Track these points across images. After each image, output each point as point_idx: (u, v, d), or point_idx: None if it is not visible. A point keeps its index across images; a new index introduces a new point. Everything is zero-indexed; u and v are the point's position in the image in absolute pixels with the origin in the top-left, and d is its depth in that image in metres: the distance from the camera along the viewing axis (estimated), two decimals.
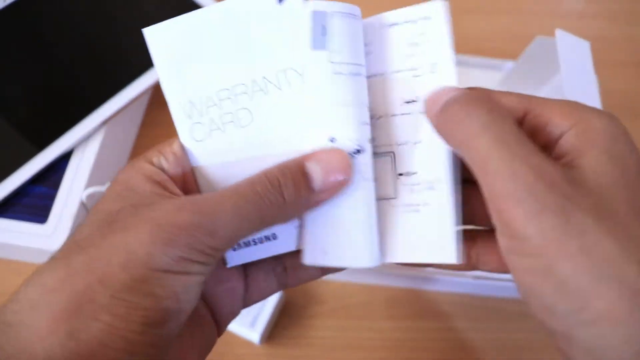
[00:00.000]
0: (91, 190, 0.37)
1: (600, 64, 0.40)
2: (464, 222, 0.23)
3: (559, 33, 0.32)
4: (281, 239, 0.23)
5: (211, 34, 0.22)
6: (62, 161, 0.39)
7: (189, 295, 0.19)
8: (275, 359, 0.37)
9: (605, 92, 0.40)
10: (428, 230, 0.22)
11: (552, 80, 0.39)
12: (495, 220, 0.18)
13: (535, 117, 0.20)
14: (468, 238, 0.23)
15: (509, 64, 0.44)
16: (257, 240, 0.23)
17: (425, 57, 0.22)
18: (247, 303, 0.25)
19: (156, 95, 0.46)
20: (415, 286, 0.40)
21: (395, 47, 0.23)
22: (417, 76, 0.22)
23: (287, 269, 0.25)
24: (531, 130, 0.20)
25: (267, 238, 0.23)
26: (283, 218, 0.21)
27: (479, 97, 0.20)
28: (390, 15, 0.23)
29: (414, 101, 0.22)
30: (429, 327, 0.38)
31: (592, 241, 0.16)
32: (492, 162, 0.18)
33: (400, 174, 0.23)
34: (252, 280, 0.25)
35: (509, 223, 0.17)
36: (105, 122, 0.40)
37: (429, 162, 0.23)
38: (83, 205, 0.38)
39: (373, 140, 0.23)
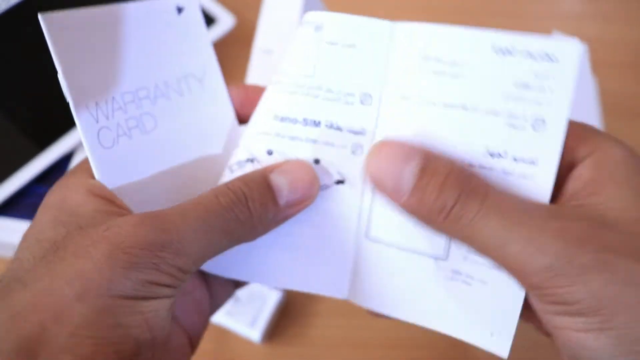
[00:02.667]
0: None
1: (599, 65, 0.40)
2: None
3: (556, 35, 0.32)
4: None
5: (114, 33, 0.21)
6: (64, 161, 0.39)
7: (160, 321, 0.17)
8: (276, 358, 0.37)
9: (603, 93, 0.40)
10: (482, 308, 0.20)
11: None
12: (534, 295, 0.17)
13: None
14: None
15: None
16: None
17: (532, 106, 0.18)
18: (212, 311, 0.24)
19: None
20: None
21: (498, 81, 0.18)
22: (513, 126, 0.18)
23: None
24: None
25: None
26: (250, 234, 0.20)
27: (461, 183, 0.17)
28: (502, 38, 0.18)
29: (499, 156, 0.18)
30: None
31: None
32: (511, 245, 0.16)
33: None
34: (214, 286, 0.24)
35: (553, 295, 0.16)
36: None
37: None
38: None
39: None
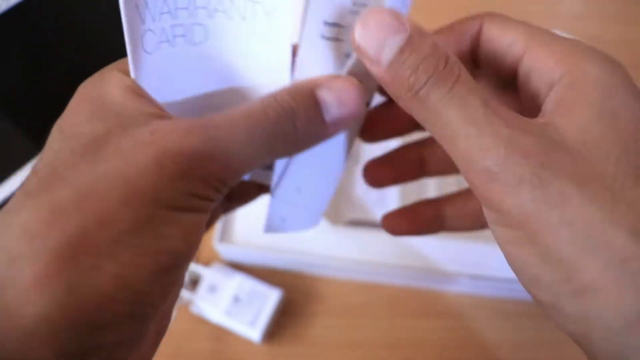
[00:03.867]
0: None
1: None
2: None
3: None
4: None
5: None
6: None
7: (197, 236, 0.17)
8: (276, 358, 0.37)
9: None
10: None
11: None
12: (476, 195, 0.17)
13: (532, 60, 0.19)
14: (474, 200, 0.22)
15: None
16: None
17: None
18: (227, 210, 0.25)
19: None
20: (415, 285, 0.40)
21: None
22: None
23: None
24: (527, 72, 0.19)
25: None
26: (292, 150, 0.19)
27: (436, 65, 0.17)
28: None
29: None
30: (429, 326, 0.39)
31: (573, 210, 0.15)
32: (461, 140, 0.17)
33: None
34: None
35: (487, 199, 0.17)
36: None
37: None
38: None
39: None
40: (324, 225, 0.38)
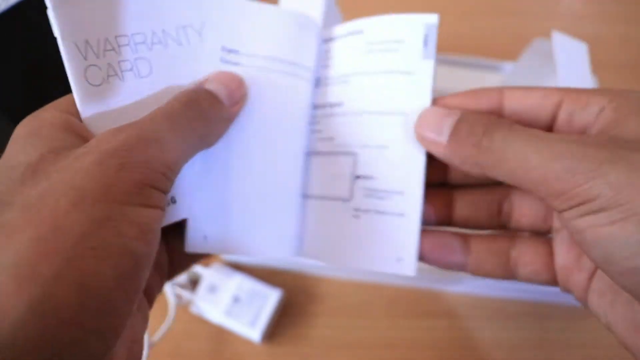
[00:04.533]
0: None
1: (600, 65, 0.40)
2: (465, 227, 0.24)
3: (556, 35, 0.32)
4: (180, 204, 0.22)
5: None
6: None
7: (154, 235, 0.17)
8: (276, 358, 0.37)
9: None
10: (385, 238, 0.23)
11: (551, 82, 0.39)
12: (557, 205, 0.18)
13: (573, 101, 0.20)
14: (502, 241, 0.23)
15: (508, 65, 0.44)
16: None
17: (400, 61, 0.23)
18: (170, 277, 0.24)
19: None
20: (415, 285, 0.40)
21: (362, 50, 0.24)
22: (391, 78, 0.23)
23: None
24: (570, 113, 0.20)
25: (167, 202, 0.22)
26: (211, 132, 0.21)
27: (489, 119, 0.20)
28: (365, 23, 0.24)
29: (390, 111, 0.23)
30: (428, 326, 0.39)
31: None
32: (532, 157, 0.18)
33: (358, 177, 0.23)
34: (174, 252, 0.23)
35: (573, 194, 0.17)
36: None
37: (395, 168, 0.23)
38: None
39: (331, 138, 0.24)
40: None
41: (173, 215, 0.22)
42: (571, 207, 0.18)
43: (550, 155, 0.17)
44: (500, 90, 0.22)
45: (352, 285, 0.40)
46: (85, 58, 0.20)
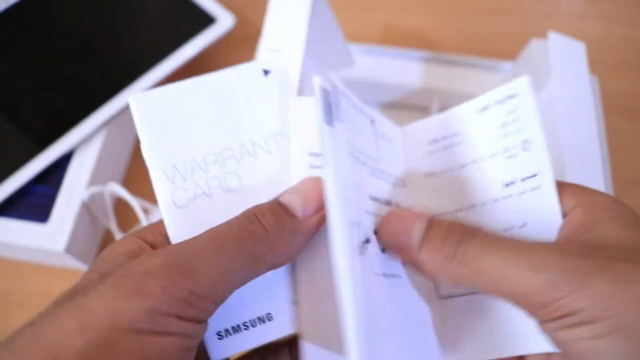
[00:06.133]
0: (92, 189, 0.37)
1: (599, 65, 0.40)
2: None
3: (552, 36, 0.32)
4: (278, 320, 0.20)
5: (196, 101, 0.22)
6: (64, 161, 0.39)
7: None
8: None
9: (604, 93, 0.40)
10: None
11: (550, 83, 0.39)
12: (540, 315, 0.17)
13: None
14: None
15: (508, 65, 0.44)
16: (248, 324, 0.20)
17: (516, 135, 0.21)
18: None
19: None
20: None
21: (488, 131, 0.22)
22: (511, 157, 0.21)
23: None
24: None
25: (261, 320, 0.20)
26: (274, 252, 0.18)
27: (459, 228, 0.19)
28: (478, 101, 0.23)
29: (512, 183, 0.21)
30: None
31: None
32: (509, 271, 0.17)
33: None
34: None
35: (557, 307, 0.16)
36: (107, 122, 0.40)
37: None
38: (84, 204, 0.38)
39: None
40: None
41: (267, 335, 0.20)
42: (554, 319, 0.17)
43: (530, 267, 0.17)
44: None
45: None
46: (172, 182, 0.20)
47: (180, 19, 0.44)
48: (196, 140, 0.21)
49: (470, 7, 0.53)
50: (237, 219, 0.19)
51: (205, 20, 0.44)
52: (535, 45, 0.36)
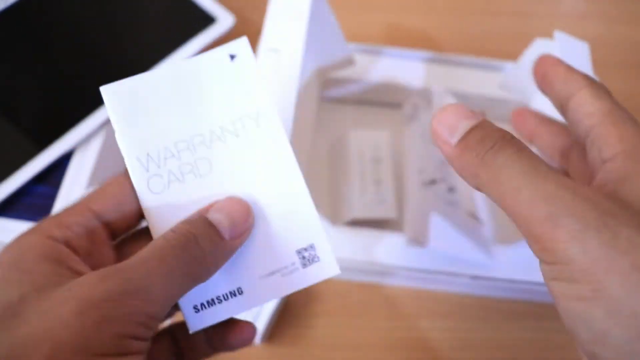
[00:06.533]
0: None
1: (602, 65, 0.40)
2: None
3: (558, 35, 0.32)
4: (247, 294, 0.22)
5: (166, 90, 0.22)
6: (64, 161, 0.39)
7: None
8: (276, 358, 0.37)
9: None
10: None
11: None
12: (535, 250, 0.17)
13: (596, 135, 0.20)
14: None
15: (508, 65, 0.44)
16: (221, 298, 0.22)
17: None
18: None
19: None
20: (415, 285, 0.40)
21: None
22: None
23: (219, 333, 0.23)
24: (589, 146, 0.20)
25: (233, 294, 0.22)
26: (206, 272, 0.20)
27: (503, 136, 0.19)
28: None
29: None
30: (428, 327, 0.39)
31: None
32: (525, 190, 0.17)
33: None
34: (186, 352, 0.23)
35: (550, 247, 0.16)
36: (107, 122, 0.40)
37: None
38: None
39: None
40: (324, 225, 0.38)
41: (239, 307, 0.22)
42: (547, 263, 0.17)
43: (542, 196, 0.16)
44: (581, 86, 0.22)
45: (352, 285, 0.40)
46: (147, 170, 0.22)
47: (180, 19, 0.44)
48: (167, 128, 0.22)
49: (470, 7, 0.53)
50: (175, 238, 0.19)
51: (205, 20, 0.44)
52: (539, 45, 0.36)
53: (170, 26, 0.44)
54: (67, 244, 0.19)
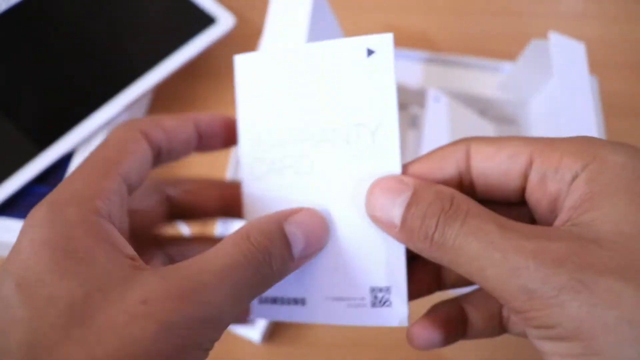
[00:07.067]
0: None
1: (600, 65, 0.40)
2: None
3: (553, 36, 0.32)
4: (309, 308, 0.21)
5: (296, 73, 0.21)
6: (64, 161, 0.39)
7: None
8: (276, 358, 0.37)
9: (604, 93, 0.40)
10: None
11: (550, 83, 0.39)
12: (518, 318, 0.17)
13: (543, 162, 0.18)
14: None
15: (508, 65, 0.44)
16: (284, 301, 0.22)
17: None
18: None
19: (158, 96, 0.46)
20: None
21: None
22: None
23: None
24: (542, 175, 0.18)
25: (296, 301, 0.22)
26: (269, 287, 0.19)
27: (442, 207, 0.17)
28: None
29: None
30: None
31: (630, 306, 0.14)
32: (488, 270, 0.16)
33: None
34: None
35: (531, 316, 0.16)
36: (107, 123, 0.40)
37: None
38: None
39: None
40: None
41: (297, 316, 0.22)
42: (532, 327, 0.16)
43: (507, 271, 0.16)
44: (467, 146, 0.20)
45: None
46: (253, 151, 0.22)
47: (180, 19, 0.44)
48: (284, 114, 0.21)
49: (470, 7, 0.53)
50: (252, 253, 0.18)
51: (205, 20, 0.44)
52: (535, 45, 0.36)
53: (170, 26, 0.44)
54: (110, 218, 0.17)
